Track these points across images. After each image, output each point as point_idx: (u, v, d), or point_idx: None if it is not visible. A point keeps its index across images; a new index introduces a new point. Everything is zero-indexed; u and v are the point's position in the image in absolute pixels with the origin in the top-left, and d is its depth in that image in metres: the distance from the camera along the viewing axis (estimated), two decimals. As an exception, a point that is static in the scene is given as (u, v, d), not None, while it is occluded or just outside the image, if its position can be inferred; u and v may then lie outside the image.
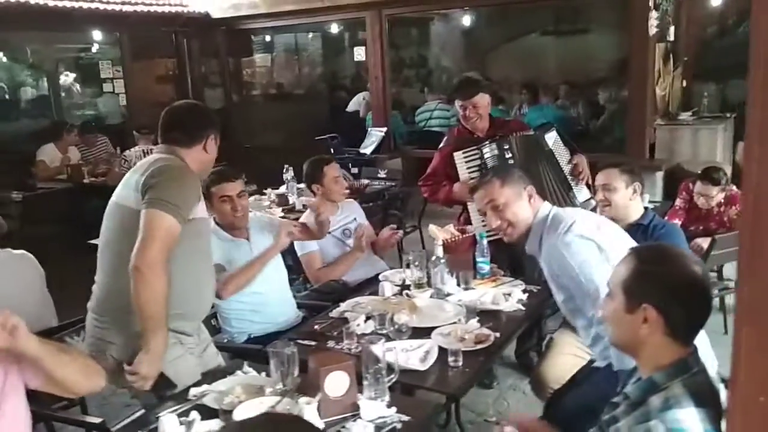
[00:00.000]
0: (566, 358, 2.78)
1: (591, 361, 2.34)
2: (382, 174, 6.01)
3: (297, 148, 6.68)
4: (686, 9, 7.34)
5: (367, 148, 7.48)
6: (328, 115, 9.68)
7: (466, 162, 3.57)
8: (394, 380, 2.06)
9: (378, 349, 2.01)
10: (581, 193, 3.60)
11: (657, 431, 1.32)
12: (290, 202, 4.97)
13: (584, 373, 2.43)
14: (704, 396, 1.39)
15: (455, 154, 3.59)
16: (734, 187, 4.21)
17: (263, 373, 2.20)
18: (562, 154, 3.65)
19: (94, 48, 9.15)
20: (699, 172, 4.40)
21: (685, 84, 7.42)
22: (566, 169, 3.61)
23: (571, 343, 2.81)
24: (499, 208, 2.44)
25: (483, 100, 3.66)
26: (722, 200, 4.20)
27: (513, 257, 3.46)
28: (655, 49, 6.22)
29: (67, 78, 9.15)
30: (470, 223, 3.55)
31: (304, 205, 4.83)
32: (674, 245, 1.95)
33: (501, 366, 3.75)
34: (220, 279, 2.76)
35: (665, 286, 1.42)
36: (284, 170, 5.24)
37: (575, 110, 7.89)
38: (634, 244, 2.45)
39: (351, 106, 8.82)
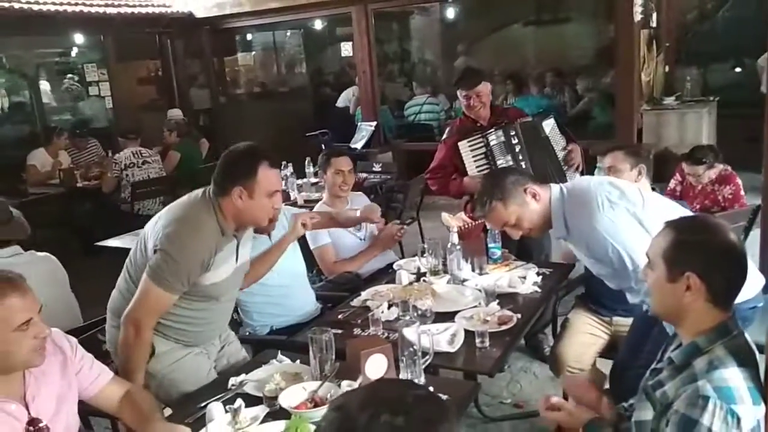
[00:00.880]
0: (583, 337, 2.86)
1: (645, 312, 2.31)
2: (377, 168, 6.04)
3: (287, 146, 6.69)
4: (667, -5, 7.49)
5: (358, 142, 7.52)
6: (316, 112, 9.68)
7: (472, 150, 3.63)
8: (429, 361, 2.12)
9: (412, 332, 2.06)
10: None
11: (705, 390, 1.39)
12: (291, 197, 5.00)
13: (640, 328, 2.40)
14: (745, 357, 1.46)
15: (460, 143, 3.65)
16: (729, 168, 4.33)
17: (297, 361, 2.24)
18: (557, 142, 3.74)
19: (78, 51, 9.06)
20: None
21: (667, 69, 7.55)
22: (560, 155, 3.69)
23: (587, 323, 2.89)
24: (515, 224, 2.45)
25: (486, 88, 3.75)
26: (713, 177, 4.32)
27: (520, 242, 3.54)
28: (640, 36, 6.35)
29: (68, 81, 9.06)
30: (479, 210, 3.61)
31: (305, 200, 4.87)
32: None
33: (510, 349, 3.82)
34: None
35: (707, 254, 1.49)
36: (282, 167, 5.25)
37: (561, 98, 7.99)
38: (656, 195, 2.52)
39: (340, 102, 8.84)
